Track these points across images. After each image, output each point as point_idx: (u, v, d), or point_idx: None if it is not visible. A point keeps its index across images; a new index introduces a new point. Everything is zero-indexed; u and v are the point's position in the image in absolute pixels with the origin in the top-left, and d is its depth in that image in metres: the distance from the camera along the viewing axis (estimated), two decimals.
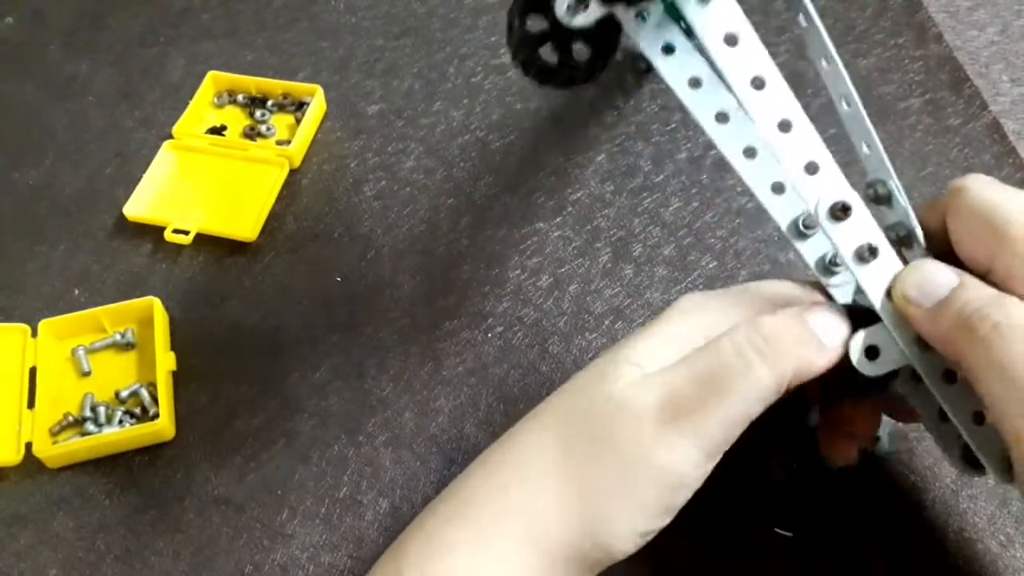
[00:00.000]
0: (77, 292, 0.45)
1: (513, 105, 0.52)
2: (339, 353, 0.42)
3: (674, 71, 0.30)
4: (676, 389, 0.27)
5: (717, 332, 0.28)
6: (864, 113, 0.29)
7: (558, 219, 0.47)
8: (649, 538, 0.28)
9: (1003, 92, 0.49)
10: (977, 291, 0.26)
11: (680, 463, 0.27)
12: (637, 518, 0.27)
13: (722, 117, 0.30)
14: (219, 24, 0.58)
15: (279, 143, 0.51)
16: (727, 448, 0.28)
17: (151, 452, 0.40)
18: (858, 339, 0.28)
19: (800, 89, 0.51)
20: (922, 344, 0.28)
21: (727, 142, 0.30)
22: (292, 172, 0.49)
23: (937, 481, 0.37)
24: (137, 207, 0.47)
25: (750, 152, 0.30)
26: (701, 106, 0.29)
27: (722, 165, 0.48)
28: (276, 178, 0.48)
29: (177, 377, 0.42)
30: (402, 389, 0.41)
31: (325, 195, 0.49)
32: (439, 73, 0.54)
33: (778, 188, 0.30)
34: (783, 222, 0.30)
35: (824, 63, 0.30)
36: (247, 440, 0.40)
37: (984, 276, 0.27)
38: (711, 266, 0.44)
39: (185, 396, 0.41)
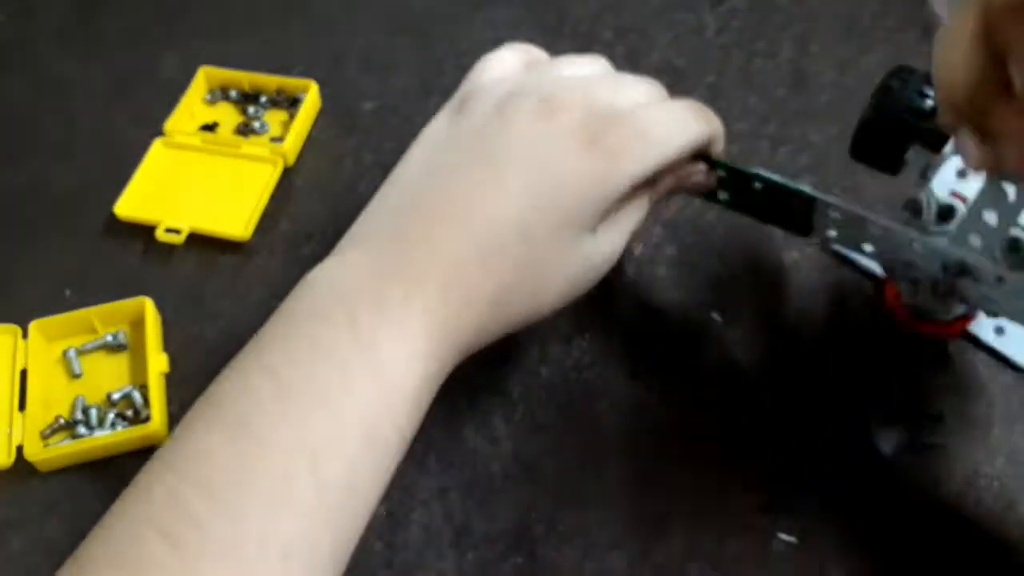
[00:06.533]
0: (68, 292, 0.45)
1: None
2: None
3: None
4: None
5: None
6: None
7: None
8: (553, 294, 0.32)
9: None
10: None
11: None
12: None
13: None
14: (211, 19, 0.57)
15: (273, 140, 0.50)
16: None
17: (144, 455, 0.38)
18: None
19: (803, 87, 0.51)
20: None
21: None
22: (286, 171, 0.49)
23: (943, 486, 0.36)
24: (128, 206, 0.47)
25: None
26: None
27: None
28: (270, 176, 0.48)
29: (169, 379, 0.41)
30: None
31: (320, 194, 0.48)
32: (436, 69, 0.53)
33: None
34: None
35: None
36: None
37: None
38: (713, 266, 0.44)
39: (178, 398, 0.41)
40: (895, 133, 0.34)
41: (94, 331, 0.43)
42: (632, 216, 0.33)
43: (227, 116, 0.52)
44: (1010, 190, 0.29)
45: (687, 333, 0.42)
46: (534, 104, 0.31)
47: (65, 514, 0.38)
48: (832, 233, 0.35)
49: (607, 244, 0.32)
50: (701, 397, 0.39)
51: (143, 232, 0.46)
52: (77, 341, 0.43)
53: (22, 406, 0.40)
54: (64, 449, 0.38)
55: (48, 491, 0.38)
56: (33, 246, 0.47)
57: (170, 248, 0.46)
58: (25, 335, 0.42)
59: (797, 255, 0.43)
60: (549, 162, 0.30)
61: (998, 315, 0.36)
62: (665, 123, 0.32)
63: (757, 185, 0.35)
